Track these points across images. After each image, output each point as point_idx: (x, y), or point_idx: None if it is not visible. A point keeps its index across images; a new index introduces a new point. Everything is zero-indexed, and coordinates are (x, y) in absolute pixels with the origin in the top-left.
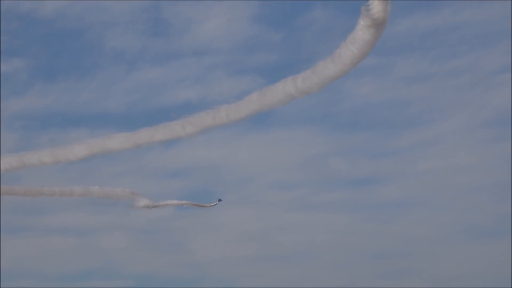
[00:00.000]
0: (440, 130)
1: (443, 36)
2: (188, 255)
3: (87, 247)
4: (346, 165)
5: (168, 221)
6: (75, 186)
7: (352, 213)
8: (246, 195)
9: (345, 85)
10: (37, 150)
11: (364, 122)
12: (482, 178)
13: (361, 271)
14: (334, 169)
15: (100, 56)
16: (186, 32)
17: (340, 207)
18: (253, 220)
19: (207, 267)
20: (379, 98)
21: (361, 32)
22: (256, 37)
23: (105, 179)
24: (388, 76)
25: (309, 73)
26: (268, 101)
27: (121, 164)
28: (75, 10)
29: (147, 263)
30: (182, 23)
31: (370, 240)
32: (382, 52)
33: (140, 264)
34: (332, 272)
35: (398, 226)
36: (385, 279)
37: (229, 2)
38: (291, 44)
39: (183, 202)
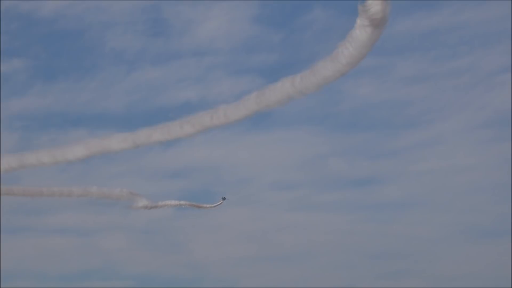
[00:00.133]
0: (440, 130)
1: (443, 36)
2: (188, 255)
3: (87, 247)
4: (346, 165)
5: (168, 221)
6: (73, 186)
7: (352, 213)
8: (245, 196)
9: (344, 85)
10: (36, 150)
11: (364, 123)
12: (482, 178)
13: (361, 271)
14: (333, 169)
15: (99, 57)
16: (186, 32)
17: (340, 208)
18: (252, 220)
19: (207, 267)
20: (378, 99)
21: (360, 32)
22: (256, 38)
23: (104, 180)
24: (388, 76)
25: (308, 73)
26: (266, 101)
27: (120, 165)
28: (75, 11)
29: (147, 263)
30: (182, 23)
31: (370, 240)
32: (381, 52)
33: (140, 264)
34: (332, 272)
35: (398, 227)
36: (385, 279)
37: (228, 3)
38: (291, 44)
39: (182, 202)
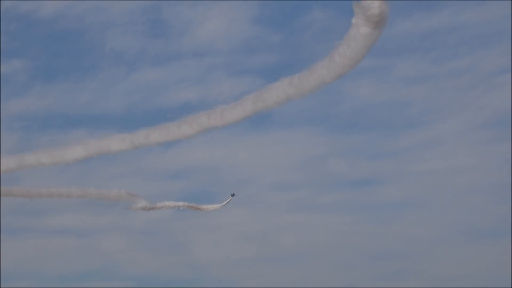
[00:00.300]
0: (439, 131)
1: (443, 37)
2: (187, 256)
3: (87, 248)
4: (346, 166)
5: (168, 222)
6: (72, 187)
7: (352, 214)
8: (245, 196)
9: (344, 86)
10: (35, 151)
11: (364, 123)
12: (481, 179)
13: (361, 272)
14: (333, 170)
15: (99, 57)
16: (186, 33)
17: (340, 208)
18: (252, 221)
19: (206, 268)
20: (378, 99)
21: (356, 32)
22: (256, 38)
23: (104, 180)
24: (388, 77)
25: (305, 74)
26: (264, 102)
27: (120, 165)
28: (75, 11)
29: (146, 264)
30: (181, 24)
31: (370, 240)
32: (381, 53)
33: (139, 265)
34: (332, 273)
35: (398, 227)
36: (385, 279)
37: (228, 3)
38: (291, 45)
39: (181, 204)
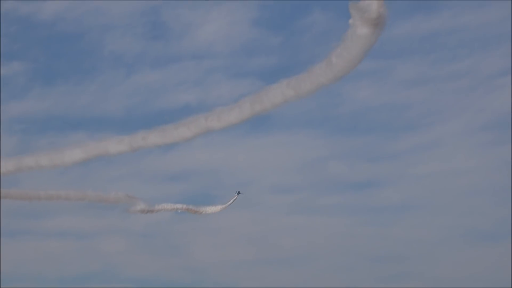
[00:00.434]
0: (439, 133)
1: (443, 39)
2: (187, 258)
3: (86, 251)
4: (345, 168)
5: (167, 224)
6: (71, 190)
7: (351, 216)
8: (245, 199)
9: (344, 88)
10: (34, 153)
11: (363, 126)
12: (481, 181)
13: (360, 274)
14: (333, 173)
15: (99, 60)
16: (185, 35)
17: (339, 211)
18: (252, 223)
19: (206, 270)
20: (378, 102)
21: (354, 34)
22: (255, 41)
23: (104, 183)
24: (387, 79)
25: (303, 76)
26: (262, 104)
27: (120, 168)
28: (74, 14)
29: (146, 266)
30: (181, 26)
31: (370, 243)
32: (381, 55)
33: (139, 267)
34: (331, 275)
35: (397, 230)
36: (385, 282)
37: (228, 6)
38: (291, 47)
39: (179, 207)
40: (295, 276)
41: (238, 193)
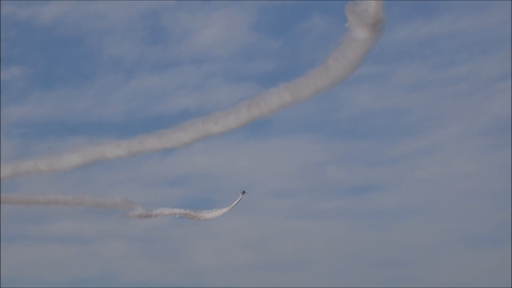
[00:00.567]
0: (438, 137)
1: (442, 43)
2: (186, 263)
3: (86, 255)
4: (345, 173)
5: (166, 229)
6: (69, 195)
7: (350, 220)
8: (244, 203)
9: (343, 93)
10: (32, 158)
11: (362, 130)
12: (480, 185)
13: (359, 278)
14: (332, 177)
15: (98, 64)
16: (185, 40)
17: (339, 215)
18: (251, 227)
19: (205, 275)
20: (377, 106)
21: (352, 38)
22: (255, 45)
23: (103, 187)
24: (387, 83)
25: (301, 81)
26: (260, 109)
27: (119, 172)
28: (74, 18)
29: (145, 270)
30: (180, 31)
31: (369, 247)
32: (380, 59)
33: (138, 271)
34: (330, 279)
35: (397, 234)
36: (384, 286)
37: (227, 10)
38: (290, 51)
39: (177, 211)
40: (294, 280)
41: (243, 192)
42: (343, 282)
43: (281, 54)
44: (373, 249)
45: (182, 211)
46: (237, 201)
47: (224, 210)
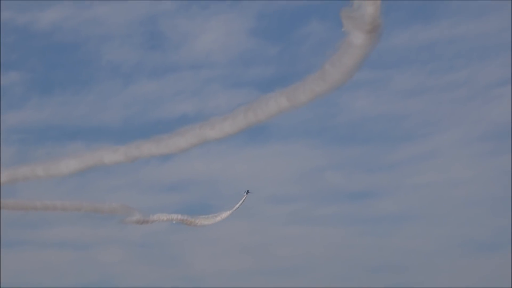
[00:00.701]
0: (437, 143)
1: (440, 49)
2: (184, 268)
3: (84, 261)
4: (343, 178)
5: (165, 234)
6: (66, 200)
7: (349, 226)
8: (243, 209)
9: (341, 98)
10: (30, 163)
11: (361, 136)
12: (479, 191)
13: (358, 284)
14: (330, 183)
15: (96, 70)
16: (183, 45)
17: (337, 221)
18: (250, 233)
19: (204, 280)
20: (375, 112)
21: (349, 42)
22: (253, 51)
23: (101, 193)
24: (385, 89)
25: (298, 86)
26: (257, 114)
27: (118, 178)
28: (72, 24)
29: (143, 276)
30: (178, 36)
31: (367, 253)
32: (378, 65)
33: (136, 277)
34: (329, 285)
35: (395, 240)
36: None
37: (225, 16)
38: (288, 57)
39: (174, 217)
40: (292, 286)
41: (247, 192)
42: (342, 287)
43: (280, 59)
44: (372, 255)
45: (180, 216)
46: (241, 201)
47: (229, 212)
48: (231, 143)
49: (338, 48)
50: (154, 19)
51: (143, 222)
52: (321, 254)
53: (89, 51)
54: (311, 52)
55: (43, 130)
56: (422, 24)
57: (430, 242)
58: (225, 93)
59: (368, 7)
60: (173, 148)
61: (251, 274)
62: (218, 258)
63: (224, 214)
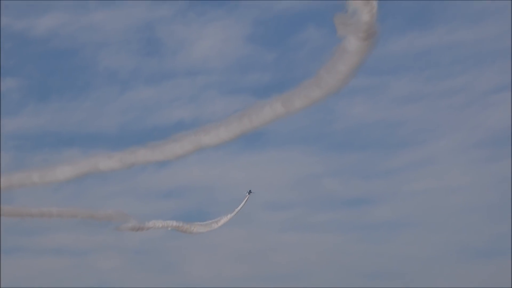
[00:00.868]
0: (433, 150)
1: (437, 55)
2: (181, 275)
3: (80, 267)
4: (340, 185)
5: (161, 241)
6: (63, 207)
7: (345, 233)
8: (239, 215)
9: (338, 105)
10: (26, 170)
11: (357, 142)
12: (476, 198)
13: None
14: (327, 189)
15: (93, 76)
16: (179, 52)
17: (334, 227)
18: (246, 240)
19: (200, 287)
20: (372, 118)
21: (344, 48)
22: (249, 57)
23: (98, 200)
24: (382, 96)
25: (293, 93)
26: (253, 121)
27: (114, 185)
28: (69, 30)
29: (140, 283)
30: (175, 43)
31: (364, 260)
32: (375, 71)
33: (133, 284)
34: None
35: (392, 246)
36: None
37: (222, 22)
38: (284, 63)
39: (170, 224)
40: None
41: (250, 192)
42: None
43: (276, 66)
44: (369, 261)
45: (175, 223)
46: (244, 201)
47: (232, 213)
48: (227, 150)
49: (333, 54)
50: (151, 26)
51: (138, 229)
52: (318, 261)
53: (86, 58)
54: (308, 59)
55: (39, 137)
56: (419, 30)
57: (427, 248)
58: (222, 100)
59: (363, 15)
60: (169, 155)
61: (248, 280)
62: (214, 264)
63: (227, 217)
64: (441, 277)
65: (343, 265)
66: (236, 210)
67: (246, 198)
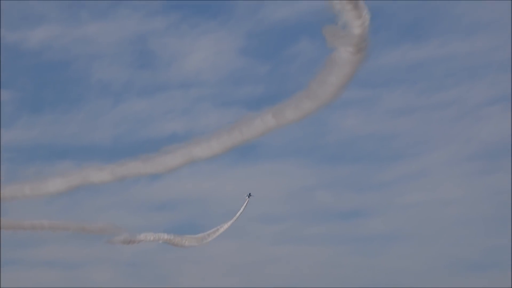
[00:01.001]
0: (426, 163)
1: (430, 68)
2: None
3: (73, 280)
4: (332, 198)
5: (154, 253)
6: (54, 220)
7: (338, 246)
8: (232, 228)
9: (330, 117)
10: (19, 182)
11: (350, 155)
12: (469, 211)
13: None
14: (320, 202)
15: (86, 88)
16: (173, 64)
17: (326, 240)
18: (239, 252)
19: None
20: (365, 131)
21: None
22: (243, 69)
23: (91, 212)
24: (374, 108)
25: (285, 105)
26: (244, 133)
27: (107, 197)
28: (62, 42)
29: None
30: (168, 55)
31: (356, 273)
32: (367, 84)
33: None
34: None
35: (384, 259)
36: None
37: (215, 35)
38: (278, 76)
39: (161, 237)
40: None
41: (249, 195)
42: None
43: (269, 78)
44: (362, 274)
45: (166, 236)
46: (245, 204)
47: (233, 219)
48: (220, 163)
49: (325, 67)
50: (144, 38)
51: (130, 242)
52: (311, 273)
53: (78, 70)
54: (301, 71)
55: (32, 149)
56: (412, 43)
57: (420, 261)
58: (215, 112)
59: (355, 28)
60: (161, 168)
61: None
62: (207, 277)
63: (228, 223)
64: None
65: (336, 277)
66: (238, 214)
67: (246, 202)
